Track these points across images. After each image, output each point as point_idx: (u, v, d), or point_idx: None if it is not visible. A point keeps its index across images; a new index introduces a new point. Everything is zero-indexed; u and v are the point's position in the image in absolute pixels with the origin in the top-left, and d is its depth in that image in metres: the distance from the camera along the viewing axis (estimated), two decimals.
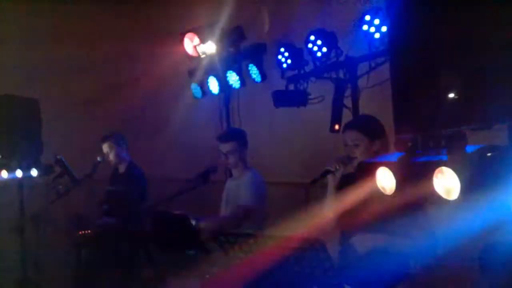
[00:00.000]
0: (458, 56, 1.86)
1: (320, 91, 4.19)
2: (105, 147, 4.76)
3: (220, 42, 4.86)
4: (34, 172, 5.02)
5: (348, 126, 2.95)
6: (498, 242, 2.90)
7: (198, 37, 4.97)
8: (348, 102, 3.92)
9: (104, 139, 4.78)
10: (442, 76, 1.88)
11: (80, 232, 4.36)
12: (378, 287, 2.61)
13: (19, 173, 5.03)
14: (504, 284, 2.79)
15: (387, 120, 2.83)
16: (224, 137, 3.87)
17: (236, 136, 3.89)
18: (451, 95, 1.81)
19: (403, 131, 1.99)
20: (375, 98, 3.73)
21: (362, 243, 2.68)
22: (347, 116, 3.80)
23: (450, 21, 1.88)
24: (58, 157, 4.77)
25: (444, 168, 1.71)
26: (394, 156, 2.02)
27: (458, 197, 1.69)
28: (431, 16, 1.94)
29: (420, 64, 1.97)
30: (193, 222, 3.09)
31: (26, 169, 5.05)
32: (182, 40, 5.09)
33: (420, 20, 1.99)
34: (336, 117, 3.87)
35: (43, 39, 6.14)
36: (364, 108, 3.78)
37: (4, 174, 5.05)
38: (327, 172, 2.81)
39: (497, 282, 2.84)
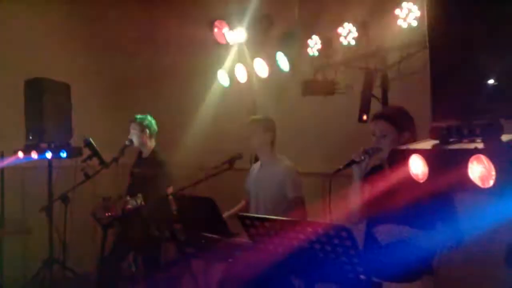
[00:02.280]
0: (497, 44, 1.83)
1: (348, 80, 4.17)
2: (131, 128, 4.83)
3: (249, 30, 4.86)
4: (63, 154, 5.11)
5: (376, 116, 2.91)
6: None
7: (228, 25, 4.99)
8: (377, 92, 3.88)
9: (131, 120, 4.84)
10: (481, 65, 1.85)
11: (107, 214, 4.42)
12: (398, 279, 2.60)
13: (49, 155, 5.14)
14: None
15: (417, 111, 2.81)
16: (250, 120, 3.95)
17: (261, 120, 3.94)
18: (491, 81, 1.77)
19: (440, 118, 1.96)
20: (404, 89, 3.70)
21: (384, 233, 2.66)
22: (375, 106, 3.77)
23: (491, 8, 1.85)
24: (87, 139, 4.84)
25: (480, 156, 1.68)
26: (428, 143, 2.00)
27: (493, 186, 1.67)
28: (472, 3, 1.91)
29: (460, 51, 1.94)
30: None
31: (55, 151, 5.16)
32: (212, 28, 5.11)
33: (461, 6, 1.96)
34: (364, 107, 3.84)
35: (75, 24, 6.25)
36: (393, 98, 3.74)
37: (34, 155, 5.16)
38: (352, 162, 2.78)
39: None
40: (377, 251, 2.66)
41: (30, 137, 5.32)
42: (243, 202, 4.07)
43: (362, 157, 2.76)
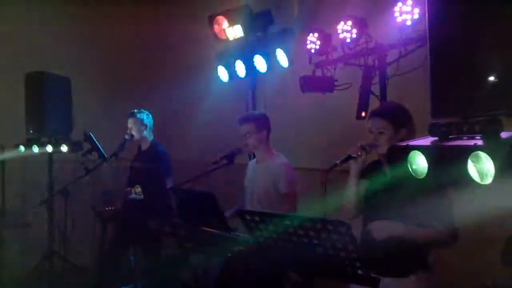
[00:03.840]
0: (497, 41, 1.84)
1: (347, 77, 4.18)
2: (130, 123, 4.86)
3: (249, 26, 4.87)
4: (64, 148, 5.15)
5: (373, 113, 2.92)
6: None
7: (227, 20, 5.00)
8: (375, 89, 3.91)
9: (129, 115, 4.88)
10: (481, 61, 1.86)
11: (107, 208, 4.46)
12: (393, 274, 2.63)
13: (49, 148, 5.17)
14: None
15: (416, 108, 2.82)
16: (242, 119, 3.92)
17: (254, 118, 3.94)
18: (491, 78, 1.79)
19: (439, 115, 1.98)
20: (403, 86, 3.71)
21: (380, 229, 2.68)
22: (374, 103, 3.79)
23: (491, 5, 1.86)
24: (87, 133, 4.87)
25: (479, 153, 1.70)
26: (427, 140, 2.02)
27: (492, 182, 1.69)
28: (472, 0, 1.93)
29: (460, 48, 1.95)
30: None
31: (56, 145, 5.19)
32: (211, 23, 5.12)
33: (461, 4, 1.97)
34: (363, 104, 3.86)
35: (75, 19, 6.27)
36: (392, 95, 3.76)
37: (35, 148, 5.20)
38: (349, 157, 2.80)
39: None
40: (371, 247, 2.68)
41: (31, 131, 5.35)
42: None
43: (359, 153, 2.79)
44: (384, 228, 2.66)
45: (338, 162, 2.77)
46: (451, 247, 2.65)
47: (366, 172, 2.90)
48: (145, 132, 4.87)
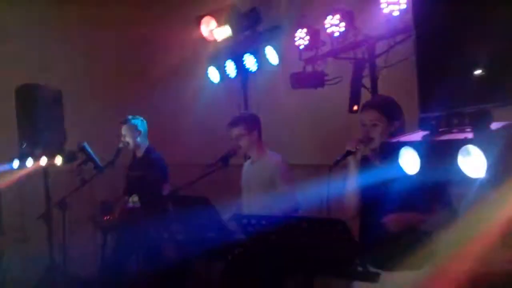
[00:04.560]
0: (485, 32, 1.82)
1: (338, 71, 4.16)
2: (124, 130, 4.83)
3: (237, 25, 4.85)
4: (58, 160, 5.12)
5: (366, 106, 2.90)
6: None
7: (215, 21, 4.98)
8: (366, 82, 3.89)
9: (122, 122, 4.85)
10: (468, 53, 1.84)
11: (105, 218, 4.44)
12: (404, 267, 2.60)
13: (43, 161, 5.14)
14: None
15: (407, 100, 2.80)
16: (231, 123, 3.90)
17: (243, 120, 3.91)
18: (478, 71, 1.77)
19: (428, 109, 1.96)
20: (394, 78, 3.69)
21: (395, 221, 2.61)
22: (365, 96, 3.78)
23: None
24: (81, 144, 4.86)
25: (469, 146, 1.69)
26: (418, 135, 2.01)
27: (484, 175, 1.68)
28: None
29: (446, 40, 1.93)
30: None
31: (50, 157, 5.16)
32: (198, 24, 5.10)
33: None
34: (354, 98, 3.84)
35: (63, 28, 6.23)
36: (383, 87, 3.75)
37: (29, 162, 5.17)
38: (349, 153, 2.77)
39: None
40: (385, 241, 2.62)
41: (24, 144, 5.32)
42: None
43: (357, 147, 2.76)
44: (399, 220, 2.61)
45: (339, 158, 2.73)
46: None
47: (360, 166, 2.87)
48: (139, 139, 4.85)
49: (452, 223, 2.56)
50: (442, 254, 2.48)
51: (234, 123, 3.89)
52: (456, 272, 2.23)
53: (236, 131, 3.85)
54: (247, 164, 4.09)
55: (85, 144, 4.90)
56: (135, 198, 4.13)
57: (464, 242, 2.39)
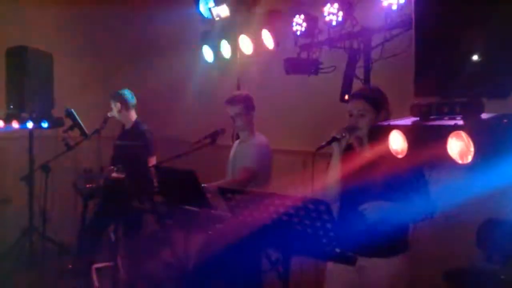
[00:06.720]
0: (480, 23, 1.86)
1: (332, 60, 4.18)
2: (112, 103, 4.83)
3: (235, 6, 4.84)
4: (44, 124, 5.09)
5: (355, 96, 2.93)
6: (497, 218, 2.96)
7: None
8: (359, 72, 3.93)
9: (111, 96, 4.84)
10: (463, 43, 1.88)
11: (88, 185, 4.43)
12: (377, 255, 2.68)
13: (30, 125, 5.11)
14: (500, 258, 2.87)
15: (399, 92, 2.85)
16: (231, 101, 3.93)
17: (243, 100, 3.94)
18: (475, 57, 1.80)
19: (421, 96, 2.00)
20: (387, 70, 3.74)
21: (372, 210, 2.66)
22: (357, 86, 3.81)
23: None
24: (68, 110, 4.83)
25: (459, 132, 1.73)
26: (408, 120, 2.04)
27: (471, 162, 1.72)
28: None
29: (443, 30, 1.97)
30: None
31: (37, 121, 5.13)
32: (197, 1, 5.08)
33: None
34: (346, 87, 3.87)
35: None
36: (376, 79, 3.78)
37: (15, 124, 5.13)
38: (333, 139, 2.81)
39: (492, 256, 2.91)
40: (361, 229, 2.68)
41: (11, 106, 5.27)
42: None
43: (343, 134, 2.81)
44: (376, 210, 2.66)
45: (324, 143, 2.77)
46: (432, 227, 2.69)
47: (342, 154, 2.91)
48: (127, 111, 4.85)
49: (429, 213, 2.64)
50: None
51: (233, 101, 3.92)
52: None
53: (235, 109, 3.89)
54: (236, 143, 4.14)
55: (72, 110, 4.87)
56: (120, 167, 4.13)
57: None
